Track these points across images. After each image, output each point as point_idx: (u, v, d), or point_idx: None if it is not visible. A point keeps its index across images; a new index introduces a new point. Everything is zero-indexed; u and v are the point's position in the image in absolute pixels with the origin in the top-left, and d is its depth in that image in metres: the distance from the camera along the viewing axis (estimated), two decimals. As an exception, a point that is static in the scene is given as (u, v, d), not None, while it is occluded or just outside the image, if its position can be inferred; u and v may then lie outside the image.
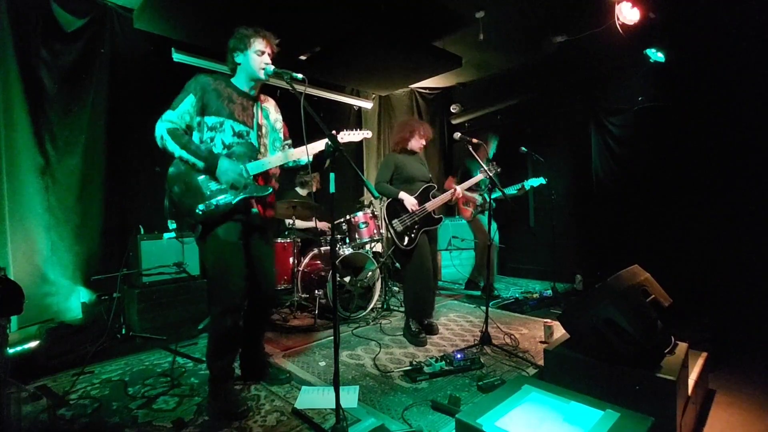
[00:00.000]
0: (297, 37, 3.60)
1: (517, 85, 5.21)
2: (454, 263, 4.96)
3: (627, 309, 1.75)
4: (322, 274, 3.50)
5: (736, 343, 2.79)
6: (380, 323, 3.42)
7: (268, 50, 2.01)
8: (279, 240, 3.79)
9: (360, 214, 3.77)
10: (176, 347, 2.76)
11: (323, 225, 4.15)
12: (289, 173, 2.35)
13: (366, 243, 3.77)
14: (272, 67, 1.98)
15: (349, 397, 2.06)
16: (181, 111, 1.92)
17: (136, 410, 2.02)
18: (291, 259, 3.78)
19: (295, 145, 2.23)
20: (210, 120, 1.96)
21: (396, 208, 3.02)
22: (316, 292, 3.41)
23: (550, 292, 4.22)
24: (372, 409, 2.00)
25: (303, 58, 4.08)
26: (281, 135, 2.25)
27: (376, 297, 3.68)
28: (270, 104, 2.23)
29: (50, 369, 2.47)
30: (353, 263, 3.66)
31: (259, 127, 2.10)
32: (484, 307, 2.94)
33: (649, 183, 4.10)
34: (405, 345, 2.93)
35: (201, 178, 1.93)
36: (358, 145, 5.59)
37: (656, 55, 3.82)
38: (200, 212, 1.91)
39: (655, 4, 3.62)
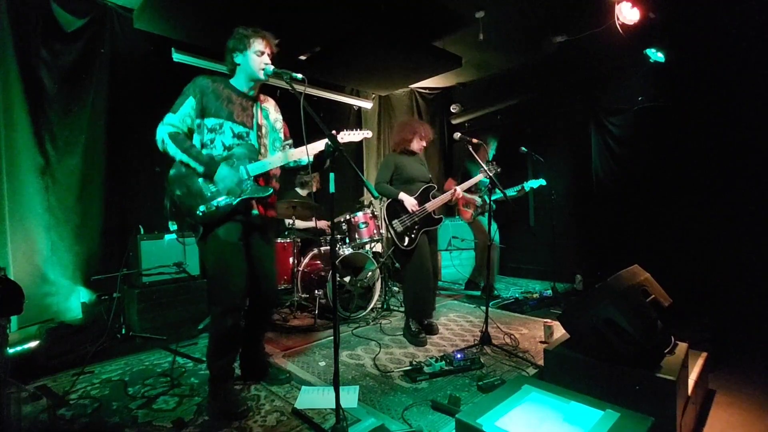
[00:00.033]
0: (297, 37, 3.60)
1: (517, 85, 5.21)
2: (454, 263, 4.96)
3: (627, 309, 1.75)
4: (322, 274, 3.50)
5: (736, 343, 2.79)
6: (380, 323, 3.42)
7: (267, 50, 2.01)
8: (279, 240, 3.79)
9: (360, 214, 3.77)
10: (176, 347, 2.76)
11: (323, 224, 4.16)
12: (289, 173, 2.35)
13: (366, 243, 3.77)
14: (272, 68, 1.98)
15: (349, 397, 2.06)
16: (182, 114, 1.93)
17: (136, 410, 2.02)
18: (291, 259, 3.78)
19: (295, 145, 2.23)
20: (209, 122, 1.96)
21: (396, 209, 3.02)
22: (316, 292, 3.41)
23: (550, 292, 4.22)
24: (372, 409, 2.00)
25: (303, 58, 4.08)
26: (281, 135, 2.24)
27: (376, 297, 3.67)
28: (270, 104, 2.23)
29: (50, 369, 2.47)
30: (353, 263, 3.66)
31: (259, 127, 2.10)
32: (484, 307, 2.94)
33: (649, 183, 4.09)
34: (405, 345, 2.93)
35: (202, 179, 1.94)
36: (358, 145, 5.59)
37: (656, 55, 3.82)
38: (201, 213, 1.91)
39: (655, 4, 3.62)
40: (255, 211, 2.05)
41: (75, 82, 3.29)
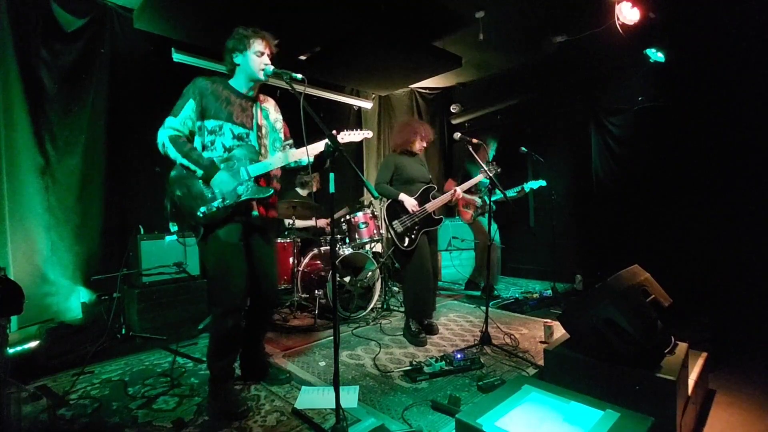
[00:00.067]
0: (297, 37, 3.60)
1: (517, 85, 5.21)
2: (454, 264, 4.96)
3: (627, 309, 1.75)
4: (322, 274, 3.50)
5: (736, 343, 2.79)
6: (380, 323, 3.42)
7: (267, 51, 2.01)
8: (279, 240, 3.79)
9: (360, 214, 3.77)
10: (176, 347, 2.76)
11: (323, 222, 4.16)
12: (290, 173, 2.36)
13: (366, 243, 3.77)
14: (272, 68, 1.98)
15: (349, 397, 2.06)
16: (183, 117, 1.93)
17: (136, 410, 2.02)
18: (291, 259, 3.78)
19: (295, 145, 2.23)
20: (209, 123, 1.97)
21: (396, 209, 3.02)
22: (316, 292, 3.41)
23: (550, 292, 4.22)
24: (372, 409, 2.00)
25: (303, 58, 4.08)
26: (281, 135, 2.24)
27: (376, 297, 3.67)
28: (270, 104, 2.23)
29: (50, 369, 2.47)
30: (353, 263, 3.66)
31: (259, 127, 2.10)
32: (484, 307, 2.94)
33: (649, 183, 4.09)
34: (405, 345, 2.93)
35: (202, 181, 1.94)
36: (358, 145, 5.59)
37: (656, 55, 3.82)
38: (201, 215, 1.91)
39: (655, 4, 3.62)
40: (255, 212, 2.05)
41: (75, 82, 3.29)
